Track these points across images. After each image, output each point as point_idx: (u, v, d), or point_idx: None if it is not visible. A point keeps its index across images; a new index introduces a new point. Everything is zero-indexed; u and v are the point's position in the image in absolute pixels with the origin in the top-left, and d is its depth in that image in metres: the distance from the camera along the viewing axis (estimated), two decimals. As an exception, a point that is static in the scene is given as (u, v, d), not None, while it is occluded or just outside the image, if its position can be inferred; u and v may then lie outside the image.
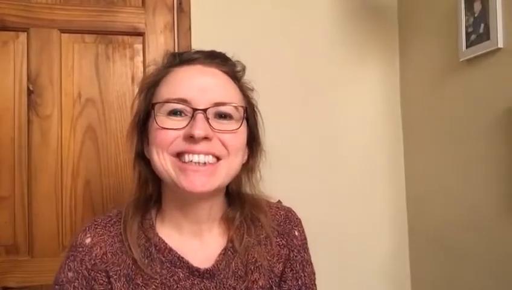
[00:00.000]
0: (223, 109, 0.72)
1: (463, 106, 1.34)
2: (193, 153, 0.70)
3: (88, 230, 0.76)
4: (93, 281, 0.73)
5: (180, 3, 1.47)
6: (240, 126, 0.73)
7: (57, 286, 0.74)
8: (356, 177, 1.62)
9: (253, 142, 0.81)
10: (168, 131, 0.70)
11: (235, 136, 0.73)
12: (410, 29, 1.61)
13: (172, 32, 1.47)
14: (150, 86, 0.77)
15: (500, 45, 1.16)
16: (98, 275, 0.74)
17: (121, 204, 0.80)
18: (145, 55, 1.45)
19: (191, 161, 0.70)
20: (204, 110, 0.69)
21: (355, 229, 1.60)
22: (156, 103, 0.72)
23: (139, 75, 1.45)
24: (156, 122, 0.71)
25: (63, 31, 1.39)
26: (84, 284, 0.73)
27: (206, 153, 0.70)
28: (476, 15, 1.24)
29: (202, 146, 0.69)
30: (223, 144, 0.72)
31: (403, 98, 1.66)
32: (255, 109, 0.81)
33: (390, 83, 1.66)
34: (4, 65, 1.35)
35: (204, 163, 0.70)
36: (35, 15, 1.36)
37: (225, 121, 0.73)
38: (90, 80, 1.41)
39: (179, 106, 0.71)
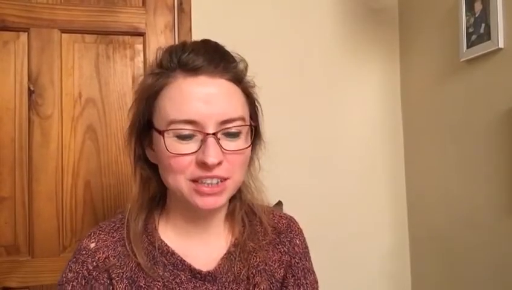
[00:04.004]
0: (232, 130, 0.71)
1: (463, 106, 1.34)
2: (206, 178, 0.70)
3: (93, 235, 0.77)
4: (93, 281, 0.74)
5: (180, 4, 1.47)
6: (249, 146, 0.74)
7: (58, 286, 0.75)
8: (357, 177, 1.62)
9: (254, 137, 0.80)
10: (182, 157, 0.69)
11: (243, 156, 0.73)
12: (410, 29, 1.61)
13: (172, 33, 1.47)
14: (150, 95, 0.73)
15: (501, 45, 1.16)
16: (99, 275, 0.74)
17: (126, 208, 0.79)
18: (145, 55, 1.45)
19: (204, 183, 0.70)
20: (215, 133, 0.69)
21: (356, 229, 1.60)
22: (164, 131, 0.69)
23: (140, 75, 1.45)
24: (167, 148, 0.69)
25: (63, 31, 1.39)
26: (83, 283, 0.73)
27: (218, 177, 0.71)
28: (476, 15, 1.24)
29: (215, 171, 0.69)
30: (232, 164, 0.71)
31: (403, 98, 1.66)
32: (257, 104, 0.80)
33: (391, 83, 1.66)
34: (5, 65, 1.35)
35: (217, 183, 0.71)
36: (36, 15, 1.36)
37: (234, 139, 0.72)
38: (91, 80, 1.41)
39: (188, 131, 0.69)
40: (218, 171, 0.70)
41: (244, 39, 1.52)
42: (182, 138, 0.69)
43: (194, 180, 0.70)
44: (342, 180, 1.60)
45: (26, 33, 1.36)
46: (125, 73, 1.44)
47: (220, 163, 0.69)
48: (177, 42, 1.46)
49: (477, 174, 1.29)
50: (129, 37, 1.45)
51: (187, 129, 0.69)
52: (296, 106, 1.56)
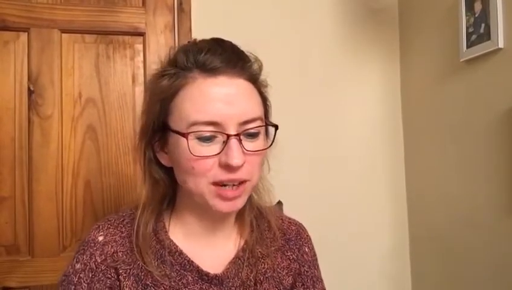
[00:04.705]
0: (252, 130, 0.70)
1: (463, 106, 1.34)
2: (229, 181, 0.69)
3: (102, 228, 0.76)
4: (101, 274, 0.73)
5: (180, 4, 1.47)
6: (270, 146, 0.74)
7: (63, 277, 0.75)
8: (357, 177, 1.62)
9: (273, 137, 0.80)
10: (205, 160, 0.68)
11: (261, 156, 0.73)
12: (410, 29, 1.61)
13: (172, 33, 1.47)
14: (167, 96, 0.71)
15: (501, 45, 1.16)
16: (107, 269, 0.73)
17: (134, 203, 0.79)
18: (145, 55, 1.45)
19: (226, 186, 0.70)
20: (237, 135, 0.68)
21: (356, 229, 1.60)
22: (188, 133, 0.68)
23: (140, 75, 1.45)
24: (190, 151, 0.67)
25: (63, 31, 1.39)
26: (90, 276, 0.73)
27: (241, 180, 0.70)
28: (476, 15, 1.24)
29: (237, 174, 0.69)
30: (251, 165, 0.71)
31: (403, 98, 1.66)
32: (268, 103, 0.79)
33: (391, 83, 1.66)
34: (5, 65, 1.35)
35: (238, 184, 0.70)
36: (36, 15, 1.37)
37: (254, 139, 0.71)
38: (91, 80, 1.41)
39: (210, 132, 0.68)
40: (240, 174, 0.69)
41: (244, 39, 1.51)
42: (203, 139, 0.68)
43: (216, 184, 0.69)
44: (342, 180, 1.60)
45: (26, 33, 1.36)
46: (125, 73, 1.44)
47: (242, 165, 0.68)
48: (177, 42, 1.46)
49: (477, 174, 1.29)
50: (129, 37, 1.45)
51: (208, 131, 0.67)
52: (296, 106, 1.56)
